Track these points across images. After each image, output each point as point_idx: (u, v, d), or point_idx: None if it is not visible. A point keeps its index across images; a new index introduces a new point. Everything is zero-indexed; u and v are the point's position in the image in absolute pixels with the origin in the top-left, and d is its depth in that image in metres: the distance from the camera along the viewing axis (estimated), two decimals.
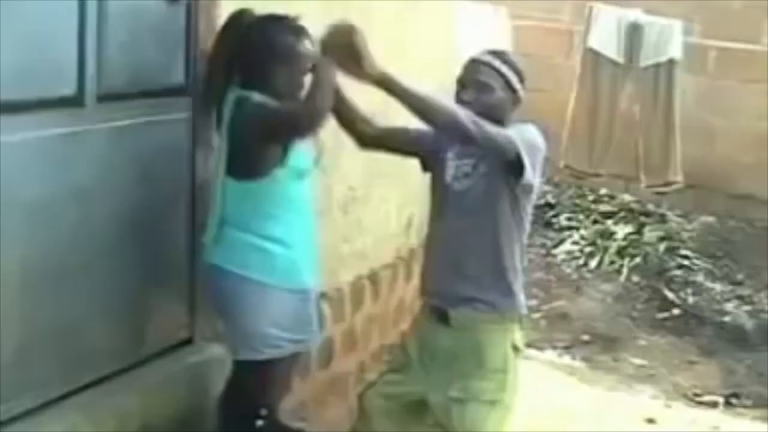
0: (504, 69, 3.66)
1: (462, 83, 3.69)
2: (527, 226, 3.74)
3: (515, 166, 3.52)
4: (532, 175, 3.56)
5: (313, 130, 3.55)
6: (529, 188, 3.62)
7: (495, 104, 3.63)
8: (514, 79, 3.68)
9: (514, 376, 3.73)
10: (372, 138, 3.87)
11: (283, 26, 3.62)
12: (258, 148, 3.53)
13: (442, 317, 3.71)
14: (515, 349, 3.73)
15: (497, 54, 3.74)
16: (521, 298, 3.74)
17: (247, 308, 3.57)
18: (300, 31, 3.64)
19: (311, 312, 3.73)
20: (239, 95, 3.55)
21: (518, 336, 3.76)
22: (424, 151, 3.83)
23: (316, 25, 3.62)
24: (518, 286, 3.72)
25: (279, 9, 3.66)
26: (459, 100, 3.65)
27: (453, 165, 3.72)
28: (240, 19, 3.61)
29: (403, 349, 3.87)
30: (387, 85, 3.42)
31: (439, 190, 3.76)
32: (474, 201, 3.65)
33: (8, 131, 3.09)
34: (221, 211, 3.59)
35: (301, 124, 3.51)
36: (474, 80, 3.65)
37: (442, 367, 3.70)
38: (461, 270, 3.66)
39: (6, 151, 3.09)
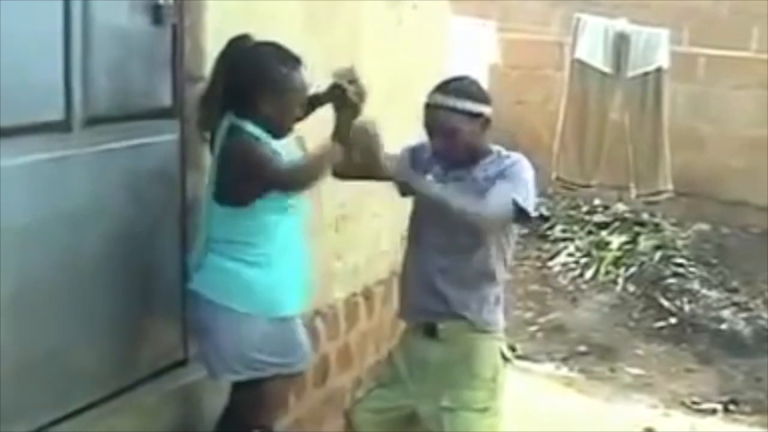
0: (458, 104, 3.59)
1: (428, 130, 3.68)
2: (513, 246, 3.76)
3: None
4: (532, 212, 3.62)
5: (293, 191, 3.60)
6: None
7: (465, 140, 3.62)
8: (473, 107, 3.61)
9: (503, 384, 3.76)
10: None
11: (278, 56, 3.59)
12: (240, 179, 3.52)
13: (430, 331, 3.73)
14: (504, 358, 3.77)
15: (447, 87, 3.66)
16: (500, 316, 3.77)
17: (226, 334, 3.56)
18: (295, 62, 3.60)
19: (296, 337, 3.71)
20: (232, 123, 3.55)
21: (505, 346, 3.80)
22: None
23: (302, 46, 3.67)
24: (499, 305, 3.75)
25: (264, 31, 3.67)
26: (432, 147, 3.69)
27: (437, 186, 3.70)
28: (237, 45, 3.58)
29: (391, 365, 3.87)
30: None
31: (422, 209, 3.72)
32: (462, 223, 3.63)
33: None
34: (206, 233, 3.61)
35: (284, 183, 3.55)
36: (436, 127, 3.64)
37: (432, 379, 3.71)
38: (443, 288, 3.66)
39: None
